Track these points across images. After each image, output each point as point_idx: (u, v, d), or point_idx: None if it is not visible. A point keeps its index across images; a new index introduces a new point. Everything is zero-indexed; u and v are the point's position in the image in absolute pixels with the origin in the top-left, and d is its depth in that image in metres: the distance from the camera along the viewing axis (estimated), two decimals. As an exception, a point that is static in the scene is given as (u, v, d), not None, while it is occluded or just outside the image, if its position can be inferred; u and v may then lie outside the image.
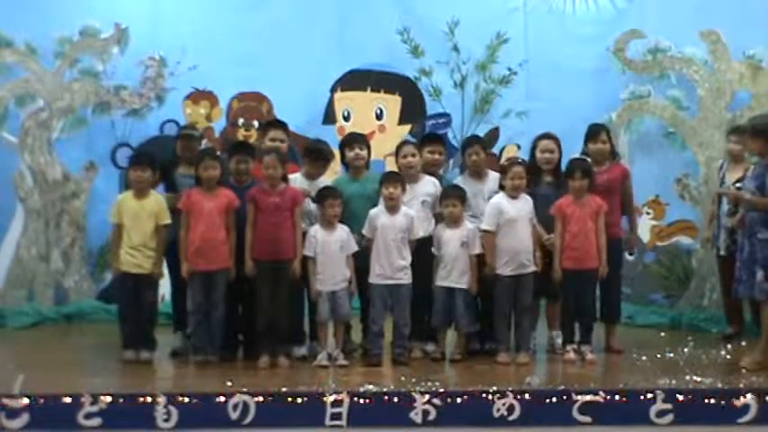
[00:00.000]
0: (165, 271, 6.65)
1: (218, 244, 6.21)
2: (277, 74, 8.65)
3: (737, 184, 6.84)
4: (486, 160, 6.78)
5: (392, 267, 6.27)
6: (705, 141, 8.16)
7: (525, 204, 6.41)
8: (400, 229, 6.29)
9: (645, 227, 8.28)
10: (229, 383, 5.46)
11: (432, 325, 6.51)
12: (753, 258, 6.11)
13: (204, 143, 6.80)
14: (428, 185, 6.61)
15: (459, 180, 6.81)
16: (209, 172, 6.24)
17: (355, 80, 8.94)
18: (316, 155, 6.60)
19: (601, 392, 5.28)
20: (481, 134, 8.35)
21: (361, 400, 5.22)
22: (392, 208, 6.32)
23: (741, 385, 5.53)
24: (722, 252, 7.26)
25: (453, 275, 6.37)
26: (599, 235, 6.41)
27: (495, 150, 8.74)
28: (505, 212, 6.34)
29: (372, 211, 6.36)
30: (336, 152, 6.96)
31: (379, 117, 8.96)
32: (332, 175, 7.06)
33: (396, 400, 5.25)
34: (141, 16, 8.58)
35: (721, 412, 5.26)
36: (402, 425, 5.19)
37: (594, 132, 6.81)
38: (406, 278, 6.30)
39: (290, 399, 5.22)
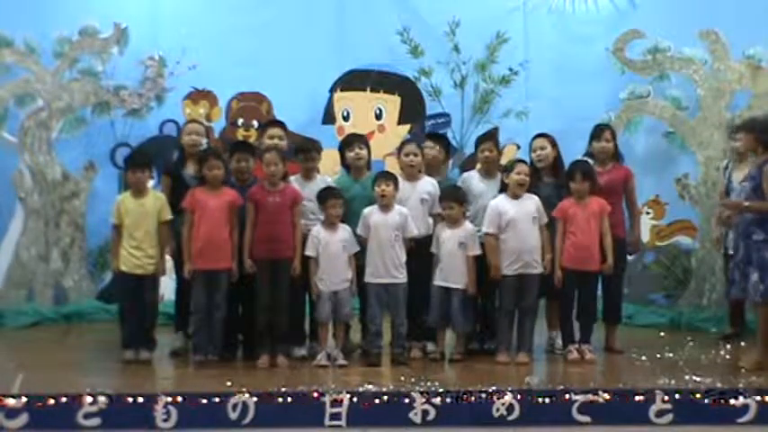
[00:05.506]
0: (167, 269, 6.63)
1: (222, 243, 6.20)
2: (277, 74, 8.65)
3: (744, 183, 6.81)
4: (497, 158, 6.76)
5: (387, 266, 6.25)
6: (705, 141, 8.16)
7: (527, 204, 6.36)
8: (394, 226, 6.27)
9: (644, 226, 8.26)
10: (229, 383, 5.46)
11: (427, 324, 6.50)
12: (747, 260, 6.12)
13: (205, 142, 6.76)
14: (427, 185, 6.59)
15: (472, 175, 6.76)
16: (214, 172, 6.24)
17: (355, 80, 8.92)
18: (303, 152, 6.57)
19: (600, 392, 5.29)
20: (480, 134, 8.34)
21: (361, 400, 5.22)
22: (386, 206, 6.30)
23: (740, 385, 5.53)
24: (731, 251, 7.21)
25: (450, 275, 6.35)
26: (604, 235, 6.40)
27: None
28: (504, 213, 6.33)
29: (366, 210, 6.33)
30: (335, 151, 6.95)
31: (378, 117, 8.95)
32: (332, 175, 7.06)
33: (395, 399, 5.25)
34: (141, 16, 8.58)
35: (721, 412, 5.27)
36: (401, 425, 5.20)
37: (598, 131, 6.82)
38: (401, 277, 6.28)
39: (289, 399, 5.22)
